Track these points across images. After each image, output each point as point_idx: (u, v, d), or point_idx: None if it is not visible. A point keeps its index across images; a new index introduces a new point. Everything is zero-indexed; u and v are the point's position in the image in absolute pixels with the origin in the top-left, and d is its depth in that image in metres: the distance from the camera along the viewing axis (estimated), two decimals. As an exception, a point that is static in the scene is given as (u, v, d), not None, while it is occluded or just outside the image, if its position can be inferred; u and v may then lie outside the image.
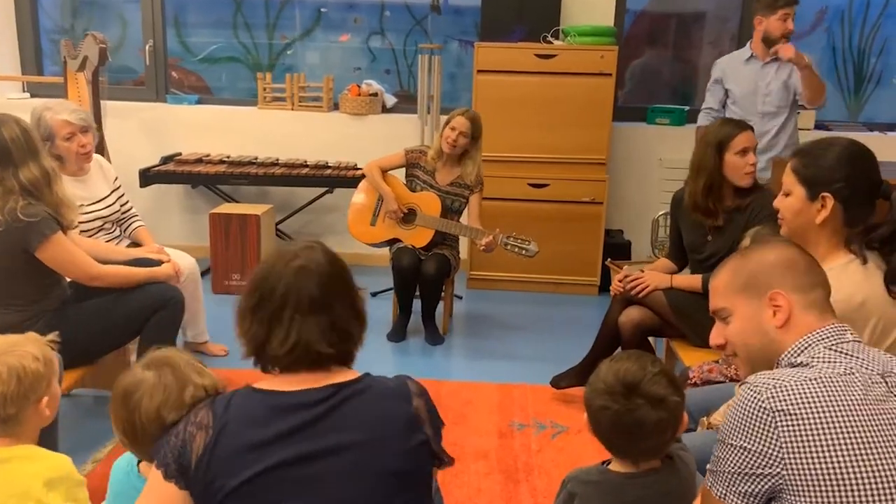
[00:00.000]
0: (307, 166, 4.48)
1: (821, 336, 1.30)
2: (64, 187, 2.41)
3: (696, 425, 1.90)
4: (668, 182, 4.35)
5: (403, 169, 3.73)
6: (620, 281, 2.81)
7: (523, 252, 3.44)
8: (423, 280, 3.49)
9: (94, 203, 2.93)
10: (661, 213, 4.23)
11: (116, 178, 3.12)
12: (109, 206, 3.00)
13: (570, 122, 4.18)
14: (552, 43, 4.22)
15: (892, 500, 1.12)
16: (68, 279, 2.52)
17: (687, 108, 4.65)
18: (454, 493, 2.35)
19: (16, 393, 1.43)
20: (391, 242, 3.65)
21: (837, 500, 1.14)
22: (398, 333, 3.63)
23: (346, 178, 4.33)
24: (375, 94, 4.69)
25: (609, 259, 3.89)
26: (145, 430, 1.31)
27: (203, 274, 4.19)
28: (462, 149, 3.59)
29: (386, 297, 4.02)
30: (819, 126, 4.58)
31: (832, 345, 1.28)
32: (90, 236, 2.88)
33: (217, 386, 1.38)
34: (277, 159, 4.57)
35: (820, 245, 1.73)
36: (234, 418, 1.18)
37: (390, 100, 4.81)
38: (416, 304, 3.68)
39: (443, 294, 3.73)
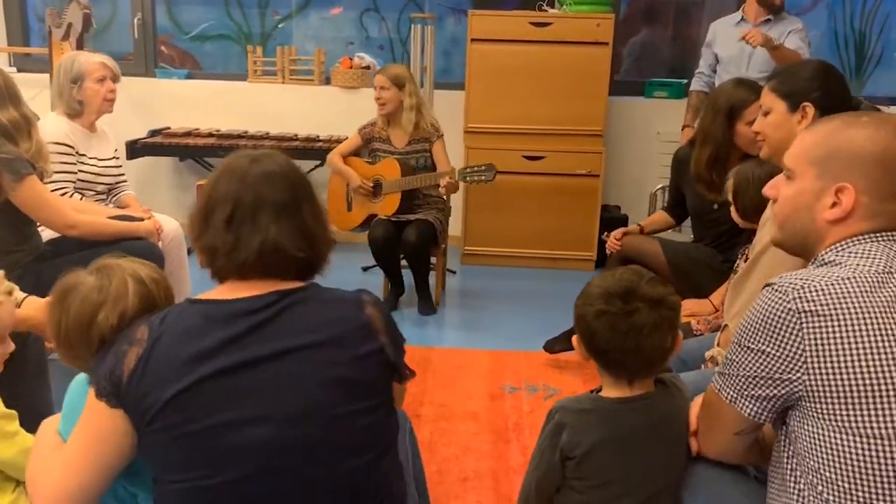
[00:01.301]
0: (298, 139, 4.39)
1: (869, 239, 1.15)
2: (42, 140, 2.35)
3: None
4: (665, 156, 4.21)
5: (366, 148, 3.70)
6: (618, 239, 2.73)
7: (483, 178, 3.35)
8: (406, 248, 3.39)
9: (96, 158, 2.89)
10: (658, 187, 4.15)
11: (116, 150, 3.10)
12: (108, 167, 2.96)
13: (566, 93, 4.09)
14: (547, 11, 4.13)
15: None
16: (44, 238, 2.44)
17: (685, 80, 4.56)
18: (441, 451, 2.26)
19: None
20: (370, 220, 3.57)
21: (863, 409, 1.04)
22: (388, 304, 3.54)
23: (337, 151, 4.24)
24: (367, 68, 4.61)
25: (606, 233, 3.80)
26: (72, 336, 1.21)
27: (191, 250, 4.12)
28: (394, 104, 3.52)
29: (377, 271, 3.93)
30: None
31: (882, 245, 1.14)
32: (79, 190, 2.82)
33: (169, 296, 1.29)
34: (268, 133, 4.49)
35: None
36: (168, 330, 1.10)
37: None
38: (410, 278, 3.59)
39: (433, 265, 3.64)
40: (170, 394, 1.05)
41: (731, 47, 3.65)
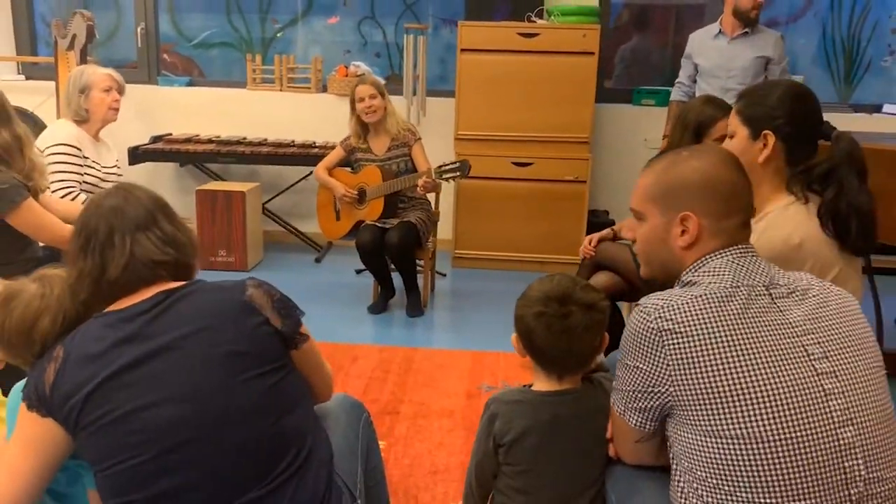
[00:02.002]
0: (294, 145, 4.53)
1: (717, 254, 1.30)
2: (35, 153, 2.47)
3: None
4: (652, 162, 4.37)
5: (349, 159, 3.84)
6: (593, 245, 2.84)
7: (457, 173, 3.46)
8: (390, 251, 3.51)
9: (103, 167, 3.05)
10: (644, 191, 4.25)
11: (118, 160, 3.23)
12: (110, 175, 3.09)
13: (554, 101, 4.21)
14: (535, 22, 4.25)
15: (772, 409, 1.14)
16: (41, 244, 2.57)
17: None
18: (415, 446, 2.39)
19: None
20: (358, 227, 3.69)
21: (721, 413, 1.16)
22: (377, 306, 3.68)
23: (331, 157, 4.37)
24: (363, 76, 4.73)
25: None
26: (13, 337, 1.34)
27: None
28: (381, 111, 3.65)
29: (367, 274, 4.05)
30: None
31: (727, 260, 1.29)
32: (89, 191, 2.95)
33: None
34: (266, 139, 4.62)
35: (762, 185, 1.71)
36: (77, 344, 1.25)
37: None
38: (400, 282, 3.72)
39: (421, 267, 3.76)
40: (83, 394, 1.19)
41: (710, 58, 3.76)
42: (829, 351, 1.20)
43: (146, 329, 1.24)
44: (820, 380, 1.17)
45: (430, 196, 3.79)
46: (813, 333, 1.21)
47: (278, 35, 5.09)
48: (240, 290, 1.31)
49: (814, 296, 1.26)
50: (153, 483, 1.19)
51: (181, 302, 1.27)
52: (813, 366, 1.18)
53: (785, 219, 1.67)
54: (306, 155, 4.40)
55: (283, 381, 1.30)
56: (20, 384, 1.39)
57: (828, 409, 1.15)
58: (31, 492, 1.24)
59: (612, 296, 2.80)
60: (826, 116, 1.78)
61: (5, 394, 1.49)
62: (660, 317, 1.22)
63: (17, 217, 2.35)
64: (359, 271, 4.24)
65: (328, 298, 3.85)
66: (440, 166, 3.50)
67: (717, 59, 3.75)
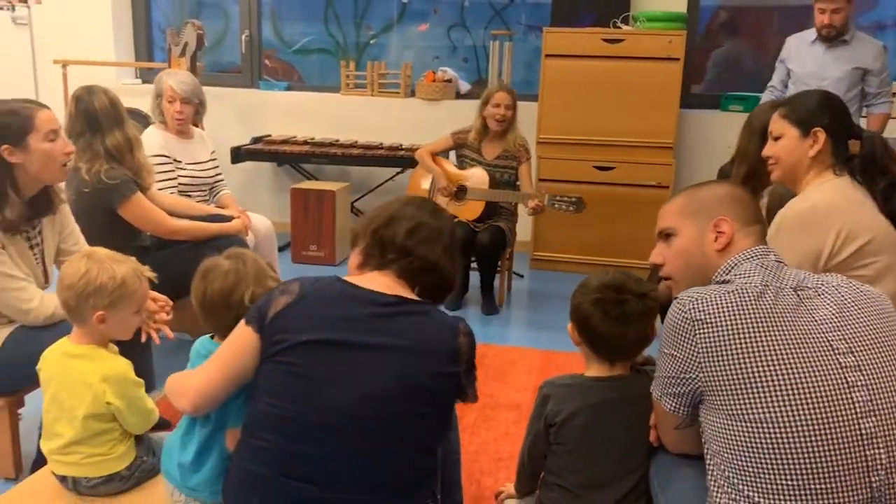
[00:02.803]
0: (382, 148, 4.74)
1: (746, 256, 1.40)
2: (144, 154, 2.74)
3: None
4: (738, 169, 4.31)
5: (454, 151, 3.94)
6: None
7: (571, 208, 3.54)
8: (478, 251, 3.64)
9: (192, 164, 3.28)
10: (728, 198, 4.20)
11: (213, 151, 3.48)
12: (205, 170, 3.35)
13: (637, 106, 4.24)
14: (621, 28, 4.29)
15: (794, 395, 1.21)
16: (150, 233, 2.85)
17: (762, 95, 4.59)
18: (482, 434, 2.50)
19: (81, 290, 1.66)
20: None
21: (745, 398, 1.23)
22: (453, 301, 3.81)
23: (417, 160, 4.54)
24: (449, 81, 4.90)
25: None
26: (213, 303, 1.54)
27: (285, 247, 4.53)
28: (509, 122, 3.75)
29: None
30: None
31: (756, 263, 1.38)
32: (184, 192, 3.22)
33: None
34: (356, 141, 4.86)
35: (808, 175, 1.92)
36: (314, 293, 1.39)
37: (464, 86, 5.00)
38: (476, 280, 3.85)
39: (499, 267, 3.87)
40: (298, 340, 1.34)
41: (804, 64, 3.67)
42: (854, 347, 1.25)
43: (374, 323, 1.36)
44: (844, 373, 1.22)
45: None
46: (839, 330, 1.27)
47: (371, 42, 5.32)
48: (455, 333, 1.40)
49: (842, 295, 1.32)
50: (291, 440, 1.33)
51: (409, 316, 1.39)
52: (837, 359, 1.24)
53: (819, 190, 1.88)
54: (394, 157, 4.59)
55: (437, 427, 1.42)
56: (204, 338, 1.62)
57: (851, 400, 1.20)
58: (214, 394, 1.42)
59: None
60: None
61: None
62: (693, 308, 1.30)
63: (126, 209, 2.62)
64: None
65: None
66: (555, 195, 3.56)
67: (811, 65, 3.65)
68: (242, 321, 1.42)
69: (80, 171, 2.57)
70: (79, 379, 1.66)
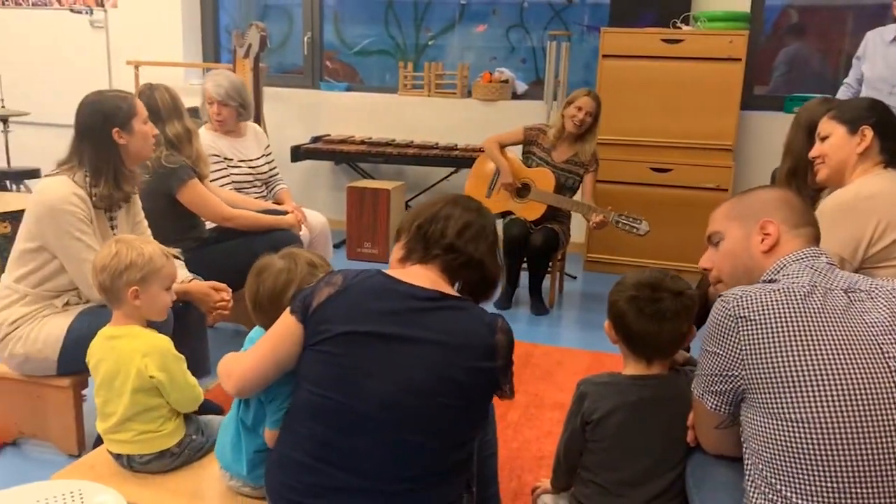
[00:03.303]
0: (437, 148, 4.78)
1: (795, 257, 1.38)
2: (201, 145, 2.87)
3: None
4: (802, 172, 4.19)
5: (521, 146, 3.90)
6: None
7: (634, 230, 3.50)
8: (530, 251, 3.65)
9: (244, 160, 3.38)
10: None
11: (268, 146, 3.56)
12: (258, 166, 3.44)
13: (696, 107, 4.16)
14: (681, 28, 4.22)
15: (835, 397, 1.19)
16: (208, 226, 2.95)
17: (830, 97, 4.44)
18: (525, 432, 2.51)
19: (113, 269, 1.80)
20: (504, 215, 3.83)
21: (786, 397, 1.22)
22: (504, 302, 3.82)
23: (471, 160, 4.53)
24: (506, 81, 4.91)
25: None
26: (264, 301, 1.61)
27: (340, 244, 4.63)
28: (587, 128, 3.72)
29: (501, 271, 4.21)
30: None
31: (806, 264, 1.36)
32: (240, 189, 3.33)
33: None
34: (412, 141, 4.92)
35: (856, 171, 1.94)
36: (357, 285, 1.43)
37: (521, 86, 5.00)
38: (525, 280, 3.84)
39: (550, 269, 3.86)
40: (340, 331, 1.38)
41: (875, 66, 3.53)
42: None
43: (413, 317, 1.39)
44: (893, 376, 1.19)
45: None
46: (891, 334, 1.23)
47: (430, 43, 5.38)
48: (492, 329, 1.42)
49: None
50: (336, 428, 1.38)
51: (449, 311, 1.41)
52: (887, 363, 1.20)
53: (863, 181, 1.91)
54: (448, 157, 4.63)
55: (473, 421, 1.45)
56: (260, 329, 1.68)
57: None
58: (260, 377, 1.48)
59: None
60: None
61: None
62: (737, 305, 1.29)
63: (184, 193, 2.75)
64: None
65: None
66: (623, 214, 3.52)
67: (882, 68, 3.50)
68: (287, 310, 1.47)
69: None
70: (122, 356, 1.77)
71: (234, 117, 3.31)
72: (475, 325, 1.42)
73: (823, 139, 1.98)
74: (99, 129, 2.20)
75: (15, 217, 3.31)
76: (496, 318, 1.46)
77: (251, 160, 3.41)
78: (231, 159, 3.31)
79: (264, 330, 1.65)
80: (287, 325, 1.46)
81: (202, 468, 1.79)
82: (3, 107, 4.95)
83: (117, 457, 1.79)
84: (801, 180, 2.47)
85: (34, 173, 4.91)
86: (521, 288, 3.93)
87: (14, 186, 4.87)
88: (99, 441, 2.12)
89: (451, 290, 1.47)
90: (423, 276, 1.46)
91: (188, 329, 2.37)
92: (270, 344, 1.49)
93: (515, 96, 4.99)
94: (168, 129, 2.71)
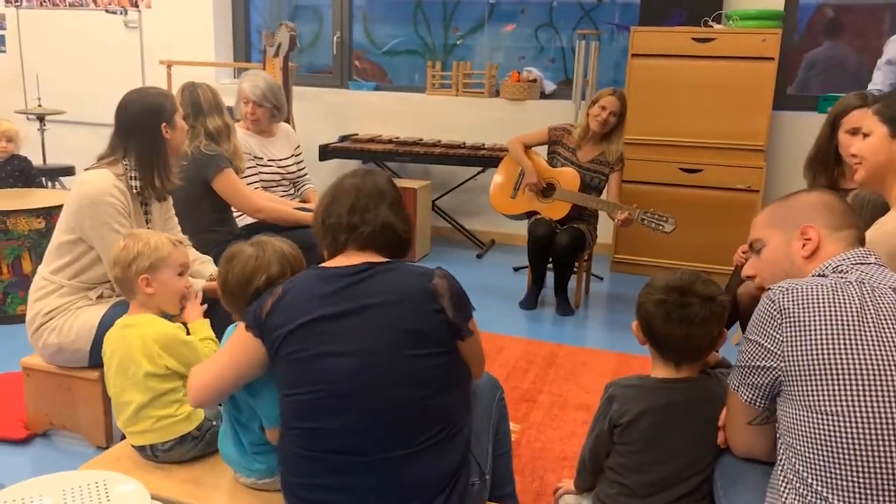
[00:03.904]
0: (465, 147, 4.78)
1: (844, 257, 1.36)
2: (238, 141, 2.93)
3: None
4: (835, 173, 4.10)
5: (546, 146, 3.88)
6: (744, 252, 2.78)
7: (660, 228, 3.46)
8: (556, 251, 3.62)
9: (273, 160, 3.43)
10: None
11: (298, 147, 3.60)
12: (286, 166, 3.49)
13: (727, 107, 4.10)
14: (713, 27, 4.16)
15: (872, 391, 1.17)
16: (240, 224, 3.00)
17: (866, 93, 4.35)
18: (548, 433, 2.49)
19: (123, 260, 1.90)
20: (529, 215, 3.81)
21: (821, 389, 1.20)
22: (529, 302, 3.80)
23: (498, 159, 4.51)
24: (534, 81, 4.88)
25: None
26: (234, 287, 1.64)
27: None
28: (611, 127, 3.69)
29: (524, 272, 4.19)
30: None
31: (854, 262, 1.34)
32: (267, 187, 3.37)
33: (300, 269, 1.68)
34: (439, 140, 4.92)
35: None
36: (294, 286, 1.49)
37: (549, 86, 4.98)
38: (551, 280, 3.82)
39: (576, 269, 3.83)
40: (286, 330, 1.44)
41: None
42: None
43: (347, 291, 1.44)
44: None
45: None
46: None
47: (458, 42, 5.37)
48: (428, 277, 1.47)
49: None
50: (318, 418, 1.42)
51: (380, 275, 1.46)
52: None
53: None
54: (475, 156, 4.62)
55: (443, 365, 1.46)
56: (234, 325, 1.70)
57: None
58: (222, 389, 1.55)
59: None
60: None
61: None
62: (783, 297, 1.28)
63: (219, 182, 2.83)
64: (516, 269, 4.38)
65: (485, 291, 4.03)
66: (648, 211, 3.47)
67: None
68: (242, 325, 1.52)
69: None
70: (134, 344, 1.82)
71: (267, 118, 3.38)
72: (409, 277, 1.47)
73: (865, 136, 1.84)
74: (149, 124, 2.28)
75: (49, 213, 3.38)
76: (432, 268, 1.50)
77: (280, 160, 3.45)
78: (261, 158, 3.37)
79: (231, 314, 1.70)
80: (243, 340, 1.51)
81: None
82: (39, 105, 5.06)
83: (140, 449, 1.82)
84: (820, 168, 2.56)
85: (69, 171, 5.01)
86: (547, 288, 3.92)
87: (49, 183, 4.97)
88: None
89: (380, 258, 1.52)
90: (351, 259, 1.51)
91: (213, 324, 2.41)
92: (228, 358, 1.55)
93: (544, 96, 4.96)
94: (209, 123, 2.82)
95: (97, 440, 2.33)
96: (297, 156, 3.55)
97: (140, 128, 2.28)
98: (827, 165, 2.55)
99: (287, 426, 1.47)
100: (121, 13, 5.49)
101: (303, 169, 3.59)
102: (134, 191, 2.29)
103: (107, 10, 5.44)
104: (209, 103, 2.85)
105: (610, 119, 3.65)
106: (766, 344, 1.29)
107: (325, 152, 4.82)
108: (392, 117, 5.19)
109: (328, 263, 1.53)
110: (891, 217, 1.71)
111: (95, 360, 2.23)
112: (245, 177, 3.20)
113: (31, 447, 2.37)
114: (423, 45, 5.46)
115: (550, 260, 3.75)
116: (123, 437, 2.14)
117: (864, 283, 1.27)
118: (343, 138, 5.05)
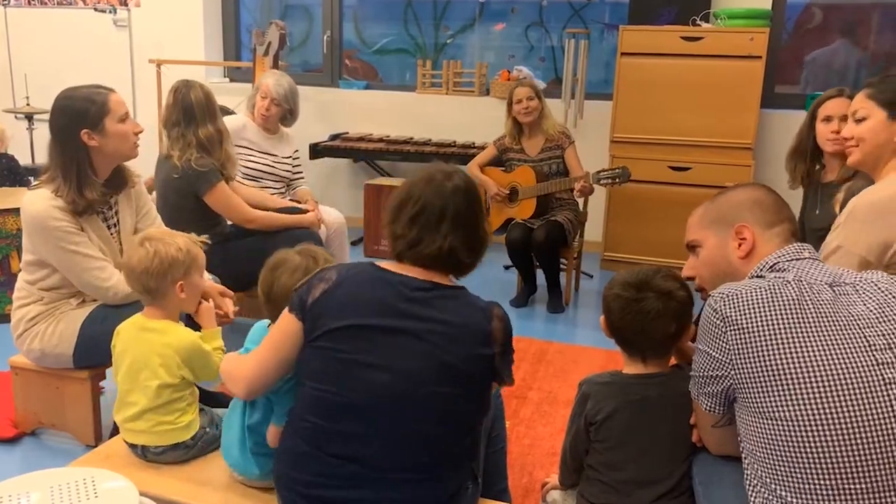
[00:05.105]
0: (455, 146, 4.79)
1: (780, 254, 1.36)
2: (231, 147, 2.92)
3: None
4: (823, 171, 4.14)
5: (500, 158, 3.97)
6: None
7: (616, 180, 3.52)
8: (535, 248, 3.63)
9: (268, 153, 3.46)
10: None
11: (296, 151, 3.64)
12: (280, 163, 3.50)
13: (715, 105, 4.13)
14: (701, 25, 4.18)
15: (822, 393, 1.17)
16: (230, 223, 3.00)
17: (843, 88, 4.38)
18: (538, 429, 2.51)
19: (157, 270, 1.80)
20: (508, 224, 3.83)
21: (772, 396, 1.20)
22: (520, 300, 3.82)
23: (489, 157, 4.57)
24: (522, 79, 4.88)
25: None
26: (278, 296, 1.61)
27: (358, 241, 4.65)
28: (536, 112, 3.76)
29: (515, 270, 4.21)
30: None
31: (790, 258, 1.35)
32: (254, 178, 3.40)
33: None
34: (430, 139, 4.93)
35: (892, 162, 1.80)
36: (350, 279, 1.44)
37: (540, 85, 4.98)
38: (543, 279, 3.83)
39: (564, 265, 3.85)
40: (336, 325, 1.40)
41: None
42: (894, 343, 1.20)
43: (407, 307, 1.39)
44: (881, 369, 1.18)
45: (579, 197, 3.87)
46: (877, 326, 1.22)
47: (449, 41, 5.38)
48: (488, 317, 1.41)
49: (883, 291, 1.27)
50: (336, 420, 1.40)
51: (442, 300, 1.41)
52: (874, 356, 1.19)
53: (893, 180, 1.76)
54: (465, 154, 4.62)
55: (475, 411, 1.45)
56: (262, 322, 1.69)
57: (887, 398, 1.15)
58: (264, 379, 1.49)
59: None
60: None
61: None
62: (724, 305, 1.28)
63: (211, 196, 2.80)
64: (507, 267, 4.40)
65: (475, 290, 4.00)
66: (599, 171, 3.55)
67: None
68: (286, 308, 1.48)
69: (172, 158, 2.77)
70: (154, 351, 1.78)
71: (278, 118, 3.44)
72: (469, 311, 1.42)
73: (859, 120, 1.84)
74: (66, 131, 2.11)
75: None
76: (491, 304, 1.45)
77: (275, 156, 3.49)
78: (252, 147, 3.40)
79: (272, 321, 1.66)
80: (287, 324, 1.47)
81: (215, 458, 1.81)
82: (28, 104, 5.04)
83: (132, 447, 1.82)
84: (800, 158, 2.66)
85: (58, 170, 4.98)
86: (541, 286, 3.92)
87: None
88: (115, 431, 2.15)
89: (443, 279, 1.46)
90: (416, 270, 1.45)
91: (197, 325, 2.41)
92: (272, 344, 1.50)
93: (534, 94, 4.96)
94: (200, 131, 2.76)
95: (86, 439, 2.33)
96: (295, 159, 3.59)
97: (60, 135, 2.12)
98: (805, 156, 2.65)
99: (300, 417, 1.44)
100: (110, 12, 5.47)
101: (299, 172, 3.62)
102: (71, 206, 2.09)
103: (96, 9, 5.41)
104: (202, 109, 2.77)
105: (530, 104, 3.73)
106: (714, 354, 1.29)
107: (316, 151, 4.82)
108: (382, 116, 5.19)
109: (388, 266, 1.47)
110: (875, 186, 1.76)
111: (79, 363, 2.23)
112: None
113: (19, 446, 2.36)
114: (413, 44, 5.47)
115: (538, 259, 3.77)
116: (112, 436, 2.15)
117: (801, 281, 1.28)
118: (334, 137, 5.05)
